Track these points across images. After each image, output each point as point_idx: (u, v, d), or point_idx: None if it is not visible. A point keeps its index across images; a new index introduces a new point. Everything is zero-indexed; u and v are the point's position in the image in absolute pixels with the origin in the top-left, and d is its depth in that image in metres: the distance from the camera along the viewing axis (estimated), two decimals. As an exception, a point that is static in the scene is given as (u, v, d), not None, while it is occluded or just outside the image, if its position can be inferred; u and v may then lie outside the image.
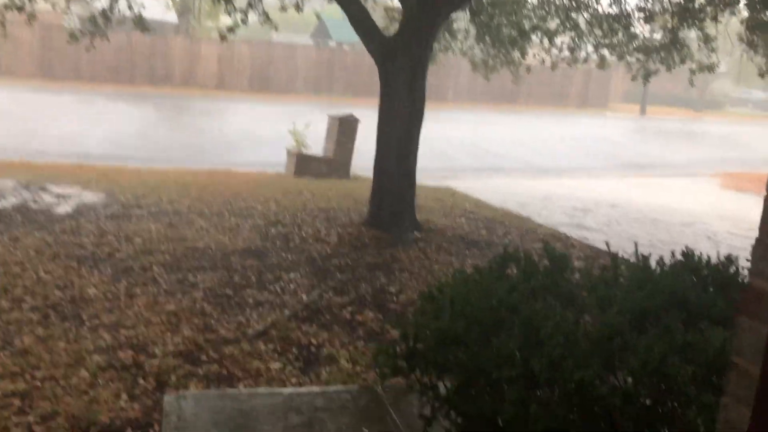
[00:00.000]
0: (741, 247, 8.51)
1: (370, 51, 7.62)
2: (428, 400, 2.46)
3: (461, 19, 11.25)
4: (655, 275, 2.74)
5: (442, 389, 2.49)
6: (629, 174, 15.05)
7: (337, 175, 11.29)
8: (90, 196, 8.32)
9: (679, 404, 2.02)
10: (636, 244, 3.28)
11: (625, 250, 6.91)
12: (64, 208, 7.67)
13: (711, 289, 2.77)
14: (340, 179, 11.17)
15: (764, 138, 26.66)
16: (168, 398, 3.47)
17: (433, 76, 10.14)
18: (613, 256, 3.10)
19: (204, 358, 4.14)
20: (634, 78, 11.30)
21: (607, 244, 3.41)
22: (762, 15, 9.26)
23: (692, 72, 10.73)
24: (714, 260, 3.17)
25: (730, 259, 3.08)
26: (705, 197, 12.55)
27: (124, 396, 3.61)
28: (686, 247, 3.15)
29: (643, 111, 35.61)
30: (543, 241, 7.92)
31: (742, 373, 1.32)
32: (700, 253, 3.11)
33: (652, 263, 3.03)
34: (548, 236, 8.10)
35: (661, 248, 8.04)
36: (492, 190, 11.07)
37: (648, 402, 2.03)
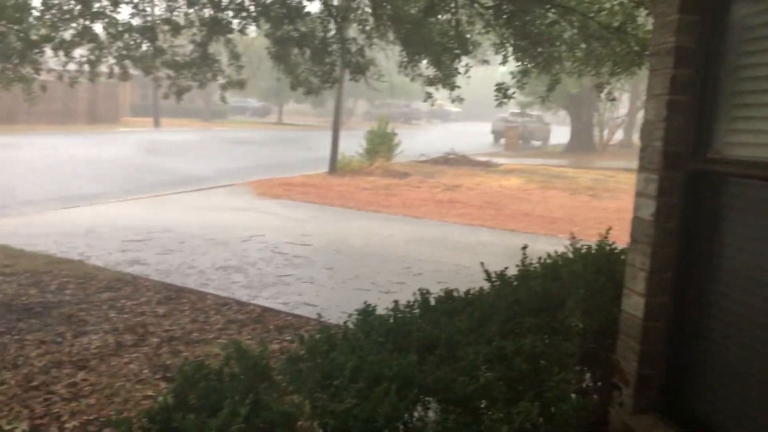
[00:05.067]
0: (304, 255, 8.75)
1: None
2: None
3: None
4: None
5: None
6: (165, 193, 14.43)
7: None
8: None
9: None
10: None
11: (198, 280, 6.16)
12: None
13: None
14: None
15: (265, 144, 29.15)
16: None
17: None
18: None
19: None
20: (166, 96, 10.71)
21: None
22: (284, 28, 9.59)
23: (223, 87, 10.73)
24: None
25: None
26: (246, 209, 12.77)
27: None
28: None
29: (157, 124, 35.41)
30: (113, 288, 6.81)
31: None
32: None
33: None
34: (113, 281, 6.97)
35: (234, 272, 7.69)
36: (15, 233, 9.17)
37: None
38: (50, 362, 4.69)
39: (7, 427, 3.78)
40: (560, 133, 39.18)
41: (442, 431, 1.94)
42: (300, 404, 2.00)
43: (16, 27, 9.00)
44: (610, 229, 4.29)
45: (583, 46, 8.31)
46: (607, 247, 4.23)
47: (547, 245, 4.91)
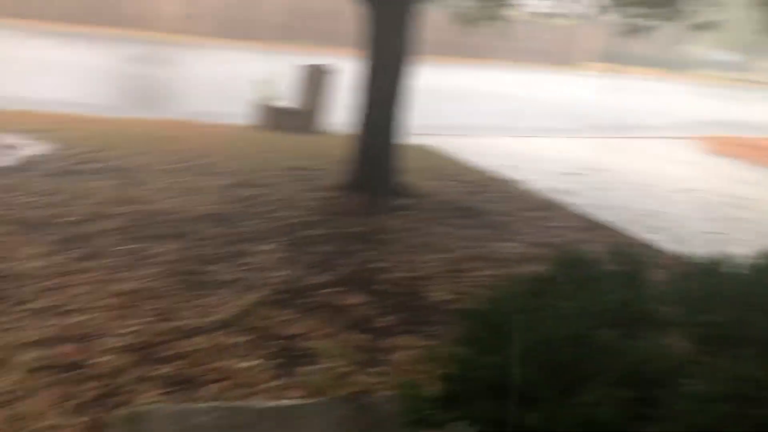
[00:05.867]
0: (733, 217, 8.05)
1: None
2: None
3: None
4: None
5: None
6: (606, 136, 14.49)
7: (311, 130, 10.47)
8: (37, 148, 7.39)
9: None
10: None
11: (622, 218, 6.06)
12: (4, 161, 6.76)
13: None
14: (314, 135, 10.36)
15: (731, 99, 26.46)
16: (117, 415, 2.80)
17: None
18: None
19: (161, 354, 3.45)
20: (624, 34, 10.60)
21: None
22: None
23: (691, 29, 10.11)
24: None
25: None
26: (689, 162, 12.09)
27: (62, 406, 2.92)
28: None
29: (617, 70, 35.16)
30: (540, 209, 7.38)
31: None
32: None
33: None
34: (543, 204, 7.51)
35: (659, 219, 7.53)
36: (475, 151, 10.39)
37: None
38: (468, 256, 5.41)
39: (444, 298, 4.54)
40: None
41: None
42: (670, 312, 2.05)
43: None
44: None
45: None
46: None
47: None
